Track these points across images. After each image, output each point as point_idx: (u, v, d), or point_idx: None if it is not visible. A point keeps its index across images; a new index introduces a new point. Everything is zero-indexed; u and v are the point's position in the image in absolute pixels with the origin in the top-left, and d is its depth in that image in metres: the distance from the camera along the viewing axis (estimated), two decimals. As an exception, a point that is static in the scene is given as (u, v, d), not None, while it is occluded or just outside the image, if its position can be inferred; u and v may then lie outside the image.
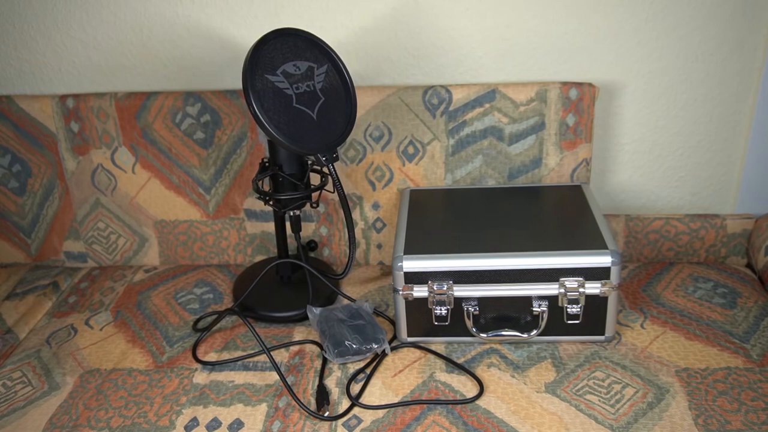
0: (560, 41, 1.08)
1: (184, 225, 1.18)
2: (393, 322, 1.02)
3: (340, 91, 0.91)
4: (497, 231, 0.98)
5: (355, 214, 1.15)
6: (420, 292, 0.94)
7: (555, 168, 1.11)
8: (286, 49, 0.88)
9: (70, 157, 1.15)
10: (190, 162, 1.14)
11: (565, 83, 1.07)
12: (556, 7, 1.06)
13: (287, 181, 0.99)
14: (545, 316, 0.93)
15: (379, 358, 0.95)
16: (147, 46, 1.12)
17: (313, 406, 0.87)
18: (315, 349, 0.98)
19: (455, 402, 0.87)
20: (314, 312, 1.00)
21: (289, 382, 0.91)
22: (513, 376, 0.90)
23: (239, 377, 0.93)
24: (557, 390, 0.88)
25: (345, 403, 0.88)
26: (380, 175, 1.13)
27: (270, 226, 1.16)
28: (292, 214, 1.04)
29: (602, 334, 0.95)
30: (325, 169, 1.03)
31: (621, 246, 1.16)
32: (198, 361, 0.96)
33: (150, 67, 1.14)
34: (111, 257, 1.22)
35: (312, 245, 1.15)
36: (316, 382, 0.91)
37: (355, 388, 0.90)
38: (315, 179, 1.11)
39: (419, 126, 1.09)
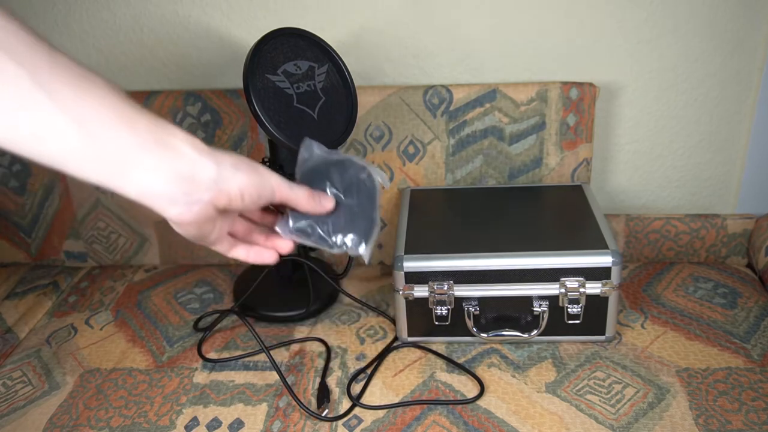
0: (560, 41, 1.08)
1: (185, 225, 1.18)
2: (393, 322, 1.02)
3: (340, 90, 0.91)
4: (498, 231, 0.98)
5: (356, 214, 1.15)
6: (420, 291, 0.94)
7: (555, 168, 1.11)
8: (287, 48, 0.88)
9: (70, 157, 1.14)
10: (190, 162, 1.13)
11: (565, 83, 1.07)
12: (556, 7, 1.06)
13: (288, 181, 0.99)
14: (546, 316, 0.93)
15: (379, 357, 0.95)
16: (147, 46, 1.12)
17: (313, 406, 0.87)
18: (315, 348, 0.98)
19: (456, 402, 0.87)
20: (312, 149, 0.72)
21: (289, 382, 0.91)
22: (513, 376, 0.90)
23: (239, 377, 0.93)
24: (558, 390, 0.88)
25: (346, 403, 0.88)
26: (380, 175, 1.12)
27: (270, 226, 1.16)
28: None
29: (603, 334, 0.95)
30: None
31: (621, 246, 1.16)
32: (204, 359, 0.96)
33: (150, 67, 1.14)
34: (111, 257, 1.21)
35: (312, 245, 1.15)
36: (317, 382, 0.91)
37: (356, 388, 0.90)
38: (315, 179, 1.11)
39: (420, 126, 1.09)
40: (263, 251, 0.68)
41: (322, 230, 0.68)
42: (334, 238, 0.68)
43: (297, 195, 0.64)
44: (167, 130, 0.53)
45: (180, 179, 0.53)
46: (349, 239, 0.69)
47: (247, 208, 0.59)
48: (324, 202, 0.67)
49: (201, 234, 0.59)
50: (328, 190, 0.69)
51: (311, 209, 0.66)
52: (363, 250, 0.69)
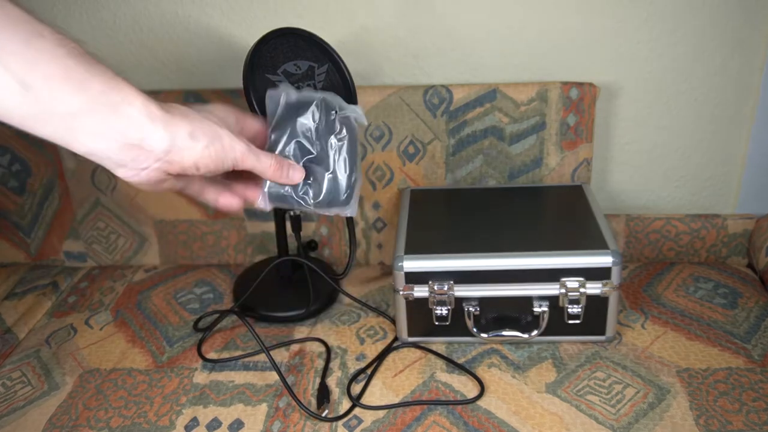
0: (560, 41, 1.08)
1: (184, 225, 1.18)
2: (393, 322, 1.02)
3: (340, 90, 0.91)
4: (498, 231, 0.98)
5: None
6: (420, 292, 0.93)
7: (556, 168, 1.11)
8: (287, 48, 0.88)
9: (70, 157, 1.14)
10: (190, 162, 1.13)
11: (565, 83, 1.07)
12: (556, 7, 1.06)
13: (287, 181, 0.99)
14: (546, 316, 0.93)
15: (379, 358, 0.95)
16: (146, 46, 1.12)
17: (313, 407, 0.87)
18: (315, 348, 0.98)
19: (456, 402, 0.86)
20: (277, 101, 0.70)
21: (289, 383, 0.91)
22: (514, 377, 0.90)
23: (239, 377, 0.93)
24: (558, 390, 0.88)
25: (346, 404, 0.88)
26: (381, 175, 1.12)
27: (270, 226, 1.16)
28: (292, 213, 1.04)
29: (603, 334, 0.95)
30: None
31: (621, 246, 1.16)
32: (204, 359, 0.96)
33: (150, 67, 1.13)
34: (111, 257, 1.21)
35: (312, 245, 1.15)
36: (317, 383, 0.91)
37: (356, 389, 0.90)
38: (315, 179, 1.11)
39: (420, 126, 1.09)
40: (232, 200, 0.65)
41: (302, 201, 0.66)
42: (317, 210, 0.67)
43: (263, 165, 0.61)
44: (121, 93, 0.51)
45: (128, 147, 0.51)
46: (332, 206, 0.67)
47: (205, 176, 0.57)
48: (292, 175, 0.64)
49: (155, 190, 0.57)
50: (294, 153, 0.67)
51: (278, 179, 0.64)
52: (348, 211, 0.68)
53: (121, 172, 0.53)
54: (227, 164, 0.58)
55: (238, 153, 0.58)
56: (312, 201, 0.67)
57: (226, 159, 0.57)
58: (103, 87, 0.50)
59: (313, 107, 0.68)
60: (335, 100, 0.70)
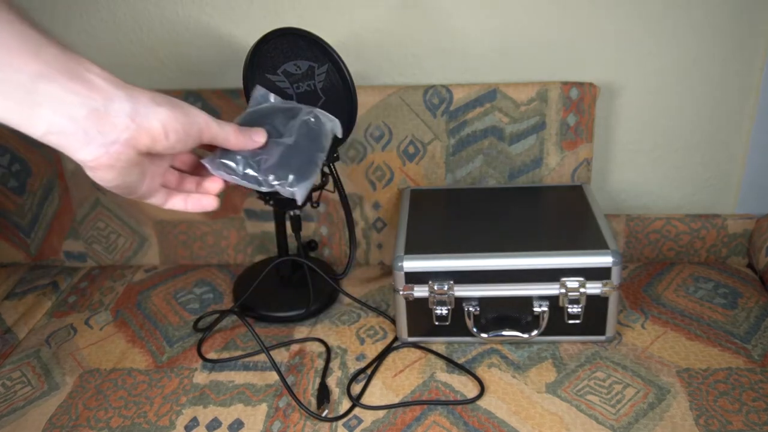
0: (561, 41, 1.08)
1: (184, 225, 1.18)
2: (393, 322, 1.02)
3: (340, 90, 0.91)
4: (498, 231, 0.98)
5: (356, 214, 1.15)
6: (420, 292, 0.93)
7: (556, 168, 1.11)
8: (287, 48, 0.88)
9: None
10: (190, 162, 1.13)
11: (565, 83, 1.07)
12: (556, 7, 1.06)
13: (287, 181, 0.99)
14: (546, 316, 0.93)
15: (379, 358, 0.95)
16: (146, 46, 1.12)
17: (313, 407, 0.87)
18: (315, 348, 0.98)
19: (456, 402, 0.86)
20: (267, 98, 0.72)
21: (289, 383, 0.91)
22: (514, 377, 0.90)
23: (239, 377, 0.93)
24: (558, 390, 0.88)
25: (346, 404, 0.88)
26: (381, 175, 1.12)
27: (270, 226, 1.16)
28: (292, 213, 1.04)
29: (603, 334, 0.95)
30: (325, 169, 1.03)
31: (622, 246, 1.16)
32: (204, 359, 0.96)
33: (150, 67, 1.13)
34: (111, 257, 1.21)
35: (312, 245, 1.15)
36: (317, 383, 0.91)
37: (356, 389, 0.90)
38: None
39: (420, 126, 1.09)
40: (201, 198, 0.63)
41: (250, 166, 0.63)
42: (261, 176, 0.63)
43: (226, 132, 0.59)
44: (78, 60, 0.49)
45: (92, 115, 0.48)
46: (278, 176, 0.64)
47: (175, 149, 0.54)
48: (254, 136, 0.62)
49: (126, 183, 0.53)
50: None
51: (241, 145, 0.62)
52: (294, 188, 0.64)
53: (87, 154, 0.49)
54: (194, 131, 0.55)
55: (202, 120, 0.56)
56: (260, 179, 0.63)
57: (191, 125, 0.55)
58: (57, 53, 0.47)
59: (292, 110, 0.68)
60: (311, 108, 0.69)
